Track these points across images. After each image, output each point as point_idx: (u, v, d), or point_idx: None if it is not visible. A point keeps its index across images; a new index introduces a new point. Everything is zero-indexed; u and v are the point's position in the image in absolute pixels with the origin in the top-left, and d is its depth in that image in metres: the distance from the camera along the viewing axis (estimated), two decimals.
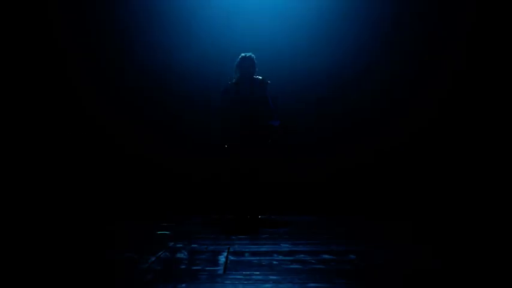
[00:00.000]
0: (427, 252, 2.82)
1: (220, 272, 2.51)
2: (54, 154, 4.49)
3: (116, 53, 4.61)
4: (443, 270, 2.49)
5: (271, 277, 2.41)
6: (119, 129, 4.54)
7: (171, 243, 3.22)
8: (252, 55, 4.09)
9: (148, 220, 3.90)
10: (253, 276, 2.41)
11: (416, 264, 2.59)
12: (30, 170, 4.42)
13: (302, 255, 2.86)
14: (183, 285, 2.28)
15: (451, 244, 3.03)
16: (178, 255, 2.90)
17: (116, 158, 4.51)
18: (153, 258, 2.78)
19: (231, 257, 2.81)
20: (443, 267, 2.54)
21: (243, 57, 4.07)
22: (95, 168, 4.49)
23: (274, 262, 2.71)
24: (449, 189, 4.44)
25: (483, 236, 3.17)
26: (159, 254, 2.91)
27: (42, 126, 4.51)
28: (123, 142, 4.53)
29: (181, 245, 3.17)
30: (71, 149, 4.51)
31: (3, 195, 4.18)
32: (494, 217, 3.69)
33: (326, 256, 2.84)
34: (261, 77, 4.08)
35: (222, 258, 2.78)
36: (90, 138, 4.52)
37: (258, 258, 2.79)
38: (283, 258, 2.81)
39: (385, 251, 2.88)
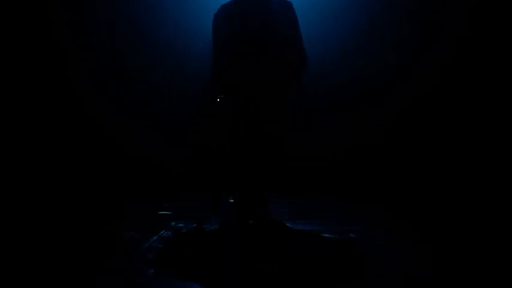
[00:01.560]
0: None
1: None
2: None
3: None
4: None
5: None
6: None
7: (173, 223, 3.24)
8: None
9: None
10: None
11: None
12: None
13: None
14: (185, 262, 2.31)
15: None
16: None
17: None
18: (155, 237, 2.81)
19: None
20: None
21: None
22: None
23: None
24: (452, 170, 4.38)
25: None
26: (161, 233, 2.94)
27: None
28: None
29: (182, 225, 3.19)
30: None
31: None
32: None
33: (326, 235, 2.87)
34: None
35: None
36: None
37: None
38: None
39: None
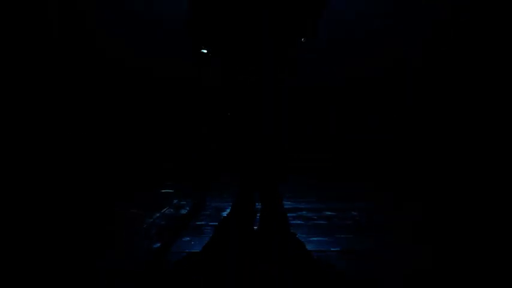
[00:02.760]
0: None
1: None
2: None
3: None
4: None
5: None
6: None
7: (175, 201, 3.25)
8: None
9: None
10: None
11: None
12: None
13: (305, 212, 2.89)
14: (187, 238, 2.31)
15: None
16: (182, 211, 2.94)
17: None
18: (157, 214, 2.82)
19: None
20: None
21: None
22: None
23: None
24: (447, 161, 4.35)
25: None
26: (164, 210, 2.95)
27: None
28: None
29: (185, 202, 3.20)
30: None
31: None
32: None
33: (328, 213, 2.87)
34: None
35: (225, 214, 2.80)
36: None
37: None
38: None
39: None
